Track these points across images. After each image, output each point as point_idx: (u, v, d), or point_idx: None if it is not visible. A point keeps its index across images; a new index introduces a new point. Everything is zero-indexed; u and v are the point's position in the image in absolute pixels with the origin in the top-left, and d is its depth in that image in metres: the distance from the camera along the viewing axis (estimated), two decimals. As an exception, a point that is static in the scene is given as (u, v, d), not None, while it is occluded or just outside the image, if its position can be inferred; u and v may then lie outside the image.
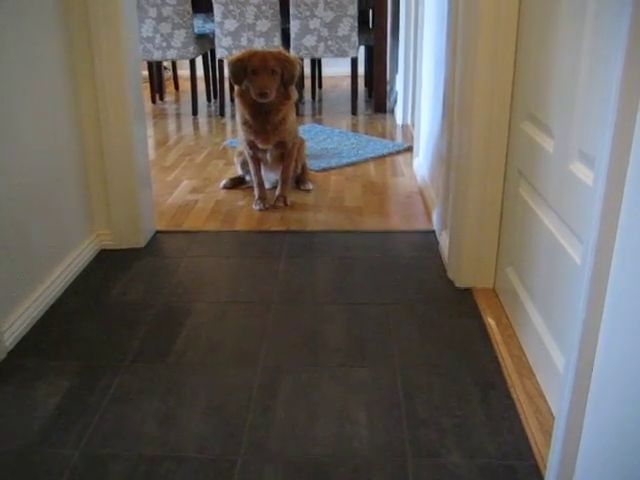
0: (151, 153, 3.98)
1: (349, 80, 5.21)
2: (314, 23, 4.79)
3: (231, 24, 4.85)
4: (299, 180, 3.42)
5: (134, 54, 2.54)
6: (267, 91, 2.89)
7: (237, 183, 3.44)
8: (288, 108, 3.08)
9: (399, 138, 4.43)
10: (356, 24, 4.79)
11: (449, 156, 2.35)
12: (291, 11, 4.78)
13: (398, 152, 4.05)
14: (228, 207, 3.16)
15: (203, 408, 1.71)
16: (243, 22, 4.83)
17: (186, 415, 1.68)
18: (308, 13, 4.77)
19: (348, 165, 3.79)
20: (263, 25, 4.83)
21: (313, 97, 5.83)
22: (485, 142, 2.10)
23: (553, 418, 1.56)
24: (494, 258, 2.24)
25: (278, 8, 4.79)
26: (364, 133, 4.55)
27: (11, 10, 2.00)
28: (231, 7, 4.79)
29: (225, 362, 1.91)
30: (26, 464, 1.54)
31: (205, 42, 5.27)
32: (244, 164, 3.34)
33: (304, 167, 3.44)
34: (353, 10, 4.74)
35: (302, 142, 3.41)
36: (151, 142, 4.38)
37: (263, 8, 4.78)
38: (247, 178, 3.40)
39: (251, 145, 3.15)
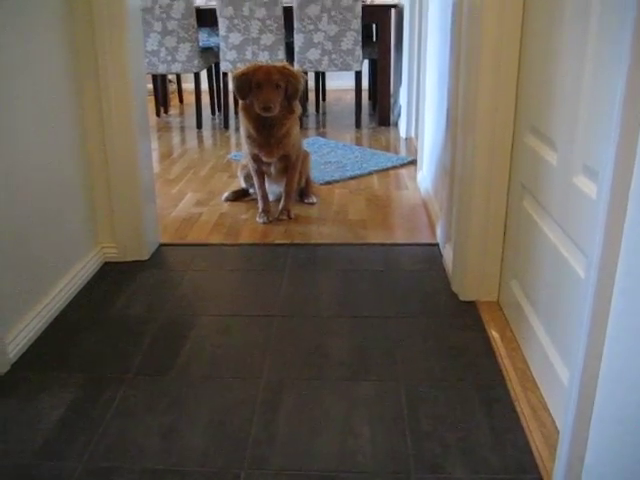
0: (155, 166, 4.00)
1: (353, 93, 5.23)
2: (318, 37, 4.81)
3: (236, 38, 4.87)
4: (303, 193, 3.43)
5: (139, 68, 2.56)
6: (271, 105, 2.90)
7: (240, 196, 3.45)
8: (292, 122, 3.09)
9: (403, 151, 4.44)
10: (360, 38, 4.81)
11: (453, 169, 2.35)
12: (295, 25, 4.80)
13: (402, 165, 4.05)
14: (232, 220, 3.17)
15: (206, 422, 1.70)
16: (248, 36, 4.86)
17: (189, 429, 1.68)
18: (312, 27, 4.79)
19: (352, 178, 3.79)
20: (267, 39, 4.86)
21: (317, 110, 5.85)
22: (488, 155, 2.10)
23: (558, 432, 1.55)
24: (498, 271, 2.23)
25: (282, 22, 4.82)
26: (368, 146, 4.56)
27: (19, 36, 2.02)
28: (236, 21, 4.82)
29: (228, 375, 1.91)
30: (29, 477, 1.53)
31: (210, 56, 5.29)
32: (247, 177, 3.35)
33: (308, 180, 3.45)
34: (357, 24, 4.76)
35: (307, 155, 3.42)
36: (155, 155, 4.39)
37: (267, 22, 4.81)
38: (251, 191, 3.40)
39: (255, 158, 3.16)
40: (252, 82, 2.93)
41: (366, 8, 4.88)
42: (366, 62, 5.66)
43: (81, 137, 2.47)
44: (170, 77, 6.25)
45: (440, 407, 1.73)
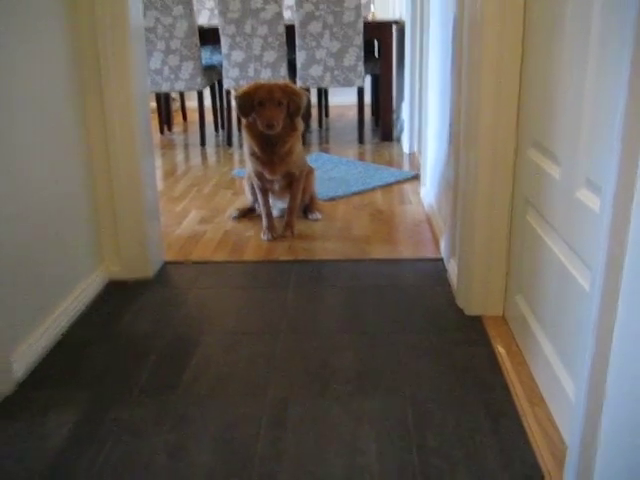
0: (159, 184, 4.01)
1: (356, 109, 5.26)
2: (320, 53, 4.84)
3: (238, 55, 4.90)
4: (307, 209, 3.43)
5: (142, 86, 2.57)
6: (274, 123, 2.92)
7: (246, 213, 3.45)
8: (295, 139, 3.11)
9: (406, 166, 4.45)
10: (362, 54, 4.84)
11: (456, 184, 2.36)
12: (297, 42, 4.83)
13: (405, 180, 4.06)
14: (236, 237, 3.17)
15: (212, 439, 1.70)
16: (250, 53, 4.89)
17: (195, 447, 1.67)
18: (314, 44, 4.82)
19: (356, 194, 3.80)
20: (270, 56, 4.89)
21: (320, 126, 5.87)
22: (491, 170, 2.10)
23: (566, 447, 1.54)
24: (503, 286, 2.23)
25: (284, 39, 4.85)
26: (371, 162, 4.57)
27: (23, 56, 2.03)
28: (238, 39, 4.86)
29: (234, 393, 1.90)
30: (35, 498, 1.53)
31: (212, 73, 5.33)
32: (254, 190, 3.35)
33: (313, 197, 3.45)
34: (359, 40, 4.79)
35: (311, 171, 3.43)
36: (159, 173, 4.41)
37: (270, 39, 4.84)
38: (256, 206, 3.41)
39: (259, 176, 3.17)
40: (254, 101, 2.95)
41: (368, 24, 4.91)
42: (368, 78, 5.69)
43: (85, 155, 2.49)
44: (173, 95, 6.30)
45: (447, 423, 1.73)
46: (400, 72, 5.28)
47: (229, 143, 5.23)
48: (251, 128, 3.04)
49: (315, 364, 2.03)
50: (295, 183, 3.23)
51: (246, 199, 3.51)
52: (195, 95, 5.28)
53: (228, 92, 5.11)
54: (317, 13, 4.74)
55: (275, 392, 1.89)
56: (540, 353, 1.82)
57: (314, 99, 5.87)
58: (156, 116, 5.55)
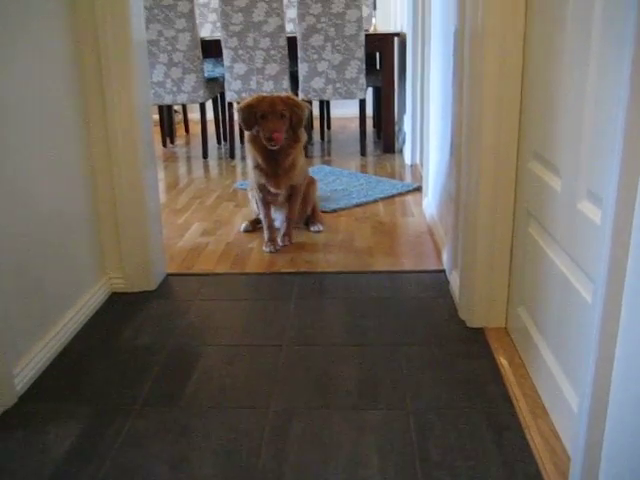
0: (162, 196, 4.02)
1: (357, 121, 5.27)
2: (322, 66, 4.86)
3: (240, 68, 4.93)
4: (309, 221, 3.44)
5: (145, 99, 2.58)
6: (277, 135, 2.93)
7: (257, 224, 3.44)
8: (297, 151, 3.12)
9: (408, 178, 4.46)
10: (364, 66, 4.86)
11: (457, 196, 2.36)
12: (299, 54, 4.86)
13: (407, 192, 4.07)
14: (238, 249, 3.17)
15: (215, 452, 1.69)
16: (252, 66, 4.91)
17: (197, 459, 1.67)
18: (316, 56, 4.84)
19: (357, 206, 3.81)
20: (272, 69, 4.91)
21: (322, 138, 5.89)
22: (493, 182, 2.11)
23: (569, 459, 1.53)
24: (505, 298, 2.23)
25: (286, 52, 4.88)
26: (373, 174, 4.58)
27: (27, 68, 2.05)
28: (240, 51, 4.88)
29: (237, 405, 1.90)
30: (37, 511, 1.53)
31: (215, 86, 5.35)
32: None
33: (314, 208, 3.46)
34: (360, 53, 4.81)
35: (313, 181, 3.44)
36: (162, 185, 4.42)
37: (272, 52, 4.86)
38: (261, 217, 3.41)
39: (262, 188, 3.18)
40: (257, 113, 2.96)
41: (369, 37, 4.93)
42: (370, 90, 5.70)
43: (88, 168, 2.49)
44: (176, 108, 6.32)
45: (449, 435, 1.72)
46: (402, 84, 5.29)
47: (231, 155, 5.25)
48: (255, 141, 3.06)
49: (317, 376, 2.03)
50: (294, 194, 3.24)
51: (251, 211, 3.51)
52: (197, 108, 5.30)
53: (230, 104, 5.13)
54: (319, 26, 4.76)
55: (277, 404, 1.89)
56: (543, 365, 1.82)
57: (316, 111, 5.89)
58: (158, 129, 5.57)
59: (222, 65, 5.12)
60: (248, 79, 4.95)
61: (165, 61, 4.96)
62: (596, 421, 1.20)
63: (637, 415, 1.06)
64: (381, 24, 6.00)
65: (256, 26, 4.81)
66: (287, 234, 3.22)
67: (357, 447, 1.69)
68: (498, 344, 2.16)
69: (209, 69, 5.64)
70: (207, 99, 5.17)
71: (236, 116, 3.47)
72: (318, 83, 4.92)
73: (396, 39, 5.17)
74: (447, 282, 2.66)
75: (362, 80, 4.90)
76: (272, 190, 3.16)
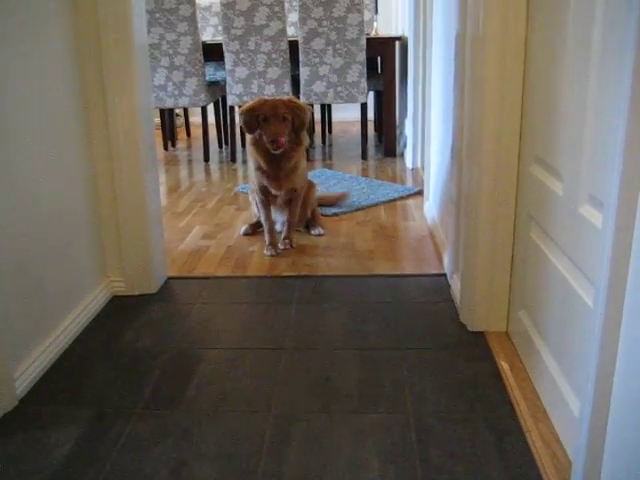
0: (163, 199, 4.02)
1: (359, 125, 5.27)
2: (323, 70, 4.87)
3: (242, 72, 4.93)
4: (310, 225, 3.44)
5: (146, 102, 2.59)
6: (279, 138, 2.93)
7: (257, 228, 3.45)
8: (300, 154, 3.12)
9: (409, 182, 4.45)
10: (365, 70, 4.86)
11: (459, 200, 2.36)
12: (301, 58, 4.86)
13: (409, 196, 4.07)
14: (239, 253, 3.17)
15: (215, 456, 1.69)
16: (254, 70, 4.92)
17: (198, 463, 1.66)
18: (317, 60, 4.84)
19: (359, 209, 3.81)
20: (273, 72, 4.91)
21: (323, 142, 5.89)
22: (494, 185, 2.11)
23: (570, 463, 1.53)
24: (506, 301, 2.23)
25: (288, 56, 4.88)
26: (374, 177, 4.58)
27: (28, 71, 2.05)
28: (242, 55, 4.88)
29: (237, 409, 1.90)
30: (37, 514, 1.52)
31: (216, 89, 5.35)
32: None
33: (314, 211, 3.47)
34: (362, 57, 4.82)
35: (312, 185, 3.45)
36: (163, 188, 4.42)
37: (273, 56, 4.87)
38: (261, 220, 3.41)
39: (264, 191, 3.19)
40: (259, 116, 2.97)
41: (371, 41, 4.93)
42: (371, 94, 5.70)
43: (89, 171, 2.50)
44: (177, 111, 6.32)
45: (450, 439, 1.72)
46: (403, 88, 5.30)
47: (233, 159, 5.25)
48: (257, 144, 3.06)
49: (318, 380, 2.03)
50: (295, 197, 3.24)
51: (252, 214, 3.51)
52: (199, 111, 5.30)
53: (232, 108, 5.13)
54: (320, 30, 4.77)
55: (278, 408, 1.89)
56: (544, 369, 1.81)
57: (317, 115, 5.89)
58: (160, 132, 5.58)
59: (223, 69, 5.12)
60: (249, 83, 4.95)
61: (167, 64, 4.97)
62: (597, 425, 1.20)
63: (638, 419, 1.06)
64: (382, 28, 6.01)
65: (258, 30, 4.81)
66: (288, 237, 3.23)
67: (357, 451, 1.69)
68: (499, 348, 2.16)
69: (210, 73, 5.65)
70: (208, 102, 5.17)
71: (237, 119, 3.48)
72: (319, 87, 4.92)
73: (397, 43, 5.18)
74: (448, 286, 2.65)
75: (363, 84, 4.90)
76: (273, 192, 3.17)
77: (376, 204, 3.91)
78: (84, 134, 2.45)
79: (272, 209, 3.29)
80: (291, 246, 3.19)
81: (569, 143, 1.59)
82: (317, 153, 5.50)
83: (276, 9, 4.76)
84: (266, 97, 3.14)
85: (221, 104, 5.60)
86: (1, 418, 1.87)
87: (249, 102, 3.09)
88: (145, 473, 1.63)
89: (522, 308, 2.07)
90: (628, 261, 1.07)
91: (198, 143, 5.72)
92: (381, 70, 5.48)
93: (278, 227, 3.34)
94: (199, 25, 5.00)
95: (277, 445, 1.72)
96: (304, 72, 4.90)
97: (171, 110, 5.75)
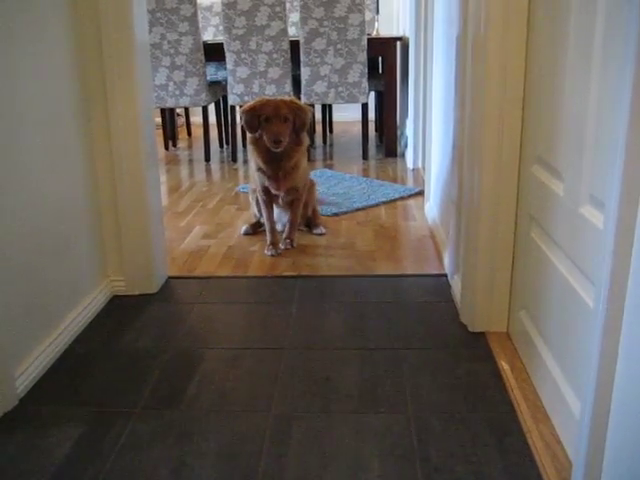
0: (164, 199, 4.02)
1: (360, 125, 5.27)
2: (324, 70, 4.86)
3: (243, 71, 4.93)
4: (311, 224, 3.44)
5: (147, 102, 2.59)
6: (281, 138, 2.94)
7: (257, 227, 3.45)
8: (300, 154, 3.13)
9: (410, 182, 4.45)
10: (366, 70, 4.86)
11: (459, 200, 2.36)
12: (302, 58, 4.86)
13: (409, 196, 4.07)
14: (240, 252, 3.17)
15: (215, 455, 1.69)
16: (255, 70, 4.92)
17: (198, 463, 1.66)
18: (318, 60, 4.84)
19: (359, 210, 3.81)
20: (274, 72, 4.91)
21: (324, 142, 5.89)
22: (495, 186, 2.10)
23: (571, 464, 1.53)
24: (507, 302, 2.23)
25: (289, 56, 4.88)
26: (375, 177, 4.58)
27: (30, 71, 2.05)
28: (243, 55, 4.88)
29: (237, 408, 1.90)
30: (37, 514, 1.52)
31: (217, 89, 5.35)
32: (259, 204, 3.35)
33: (314, 210, 3.47)
34: (363, 57, 4.82)
35: (313, 184, 3.45)
36: (164, 188, 4.42)
37: (274, 56, 4.87)
38: (261, 220, 3.41)
39: (265, 191, 3.19)
40: (260, 116, 2.97)
41: (372, 41, 4.93)
42: (372, 94, 5.70)
43: (90, 171, 2.50)
44: (178, 111, 6.32)
45: (450, 440, 1.72)
46: (404, 88, 5.29)
47: (234, 159, 5.25)
48: (257, 143, 3.06)
49: (318, 380, 2.03)
50: (297, 197, 3.24)
51: (252, 214, 3.51)
52: (200, 111, 5.30)
53: (233, 108, 5.13)
54: (321, 30, 4.77)
55: (278, 407, 1.89)
56: (544, 369, 1.81)
57: (318, 115, 5.89)
58: (161, 132, 5.57)
59: (225, 68, 5.12)
60: (250, 82, 4.95)
61: (168, 64, 4.97)
62: (598, 426, 1.20)
63: (639, 420, 1.05)
64: (383, 28, 6.00)
65: (259, 30, 4.81)
66: (290, 237, 3.23)
67: (358, 451, 1.69)
68: (499, 348, 2.16)
69: (212, 72, 5.65)
70: (209, 102, 5.17)
71: (238, 119, 3.48)
72: (320, 87, 4.92)
73: (398, 43, 5.18)
74: (449, 286, 2.65)
75: (364, 84, 4.90)
76: (274, 192, 3.18)
77: (377, 204, 3.91)
78: (85, 134, 2.45)
79: (274, 209, 3.29)
80: (292, 246, 3.20)
81: (570, 143, 1.59)
82: (318, 153, 5.50)
83: (277, 9, 4.76)
84: (267, 97, 3.14)
85: (222, 104, 5.59)
86: (1, 417, 1.87)
87: (250, 102, 3.10)
88: (145, 473, 1.63)
89: (523, 308, 2.06)
90: (629, 261, 1.07)
91: (199, 143, 5.71)
92: (382, 70, 5.48)
93: (279, 227, 3.34)
94: (200, 25, 5.01)
95: (277, 445, 1.72)
96: (305, 72, 4.90)
97: (172, 110, 5.74)
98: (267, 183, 3.15)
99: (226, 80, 5.10)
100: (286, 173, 3.11)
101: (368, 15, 5.44)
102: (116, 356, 2.21)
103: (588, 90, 1.46)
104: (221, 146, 5.77)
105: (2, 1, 1.91)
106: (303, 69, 4.89)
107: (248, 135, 3.12)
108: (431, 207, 3.51)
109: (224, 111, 5.64)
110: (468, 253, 2.26)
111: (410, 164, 4.85)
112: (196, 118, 6.47)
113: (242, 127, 3.17)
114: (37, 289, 2.11)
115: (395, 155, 5.23)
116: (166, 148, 5.70)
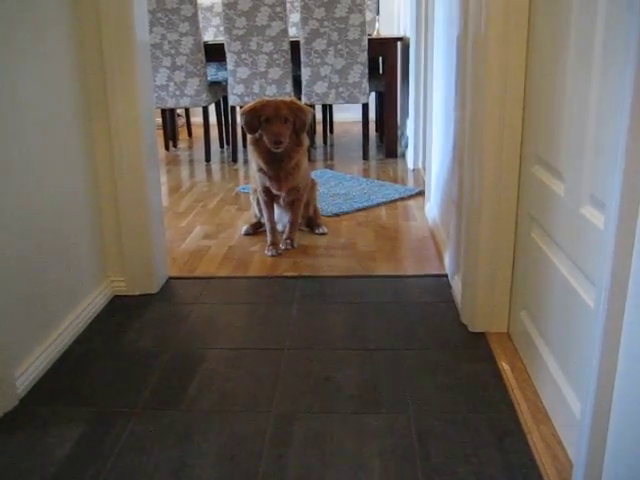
0: (164, 199, 4.02)
1: (360, 125, 5.27)
2: (325, 70, 4.86)
3: (243, 72, 4.93)
4: (312, 224, 3.44)
5: (148, 102, 2.59)
6: (281, 139, 2.95)
7: (258, 228, 3.45)
8: (301, 155, 3.13)
9: (410, 182, 4.45)
10: (366, 71, 4.86)
11: (460, 201, 2.36)
12: (302, 59, 4.86)
13: (410, 196, 4.06)
14: (241, 253, 3.17)
15: (216, 456, 1.69)
16: (255, 70, 4.92)
17: (198, 463, 1.66)
18: (319, 60, 4.84)
19: (360, 210, 3.81)
20: (275, 73, 4.91)
21: (325, 143, 5.89)
22: (496, 186, 2.10)
23: (571, 465, 1.53)
24: (507, 302, 2.23)
25: (289, 56, 4.88)
26: (376, 178, 4.58)
27: (30, 72, 2.05)
28: (243, 55, 4.88)
29: (238, 409, 1.90)
30: (37, 514, 1.52)
31: (218, 90, 5.35)
32: (260, 204, 3.35)
33: (315, 209, 3.47)
34: (363, 57, 4.82)
35: (314, 184, 3.45)
36: (164, 188, 4.42)
37: (275, 56, 4.87)
38: (262, 220, 3.41)
39: (266, 191, 3.19)
40: (261, 117, 2.97)
41: (372, 41, 4.93)
42: (373, 94, 5.70)
43: (91, 171, 2.50)
44: (179, 111, 6.32)
45: (451, 440, 1.72)
46: (404, 88, 5.29)
47: (234, 159, 5.25)
48: (257, 144, 3.06)
49: (319, 380, 2.03)
50: (297, 198, 3.24)
51: (253, 214, 3.51)
52: (200, 111, 5.30)
53: (233, 108, 5.13)
54: (322, 30, 4.77)
55: (279, 408, 1.89)
56: (545, 370, 1.81)
57: (319, 115, 5.90)
58: (161, 132, 5.57)
59: (225, 69, 5.12)
60: (251, 83, 4.95)
61: (168, 65, 4.97)
62: (598, 427, 1.20)
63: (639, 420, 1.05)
64: (384, 28, 6.01)
65: (259, 30, 4.81)
66: (290, 237, 3.23)
67: (358, 451, 1.69)
68: (500, 349, 2.16)
69: (212, 73, 5.65)
70: (210, 103, 5.17)
71: (239, 120, 3.48)
72: (321, 87, 4.92)
73: (399, 43, 5.17)
74: (449, 286, 2.65)
75: (365, 84, 4.90)
76: (275, 192, 3.18)
77: (377, 204, 3.91)
78: (86, 134, 2.45)
79: (275, 210, 3.29)
80: (292, 246, 3.20)
81: (571, 144, 1.59)
82: (318, 153, 5.50)
83: (278, 9, 4.76)
84: (268, 98, 3.15)
85: (222, 104, 5.59)
86: (2, 417, 1.87)
87: (250, 103, 3.10)
88: (145, 473, 1.63)
89: (523, 309, 2.06)
90: (630, 262, 1.07)
91: (199, 143, 5.72)
92: (383, 71, 5.48)
93: (279, 227, 3.34)
94: (201, 25, 5.01)
95: (277, 445, 1.72)
96: (305, 72, 4.90)
97: (172, 110, 5.75)
98: (268, 183, 3.15)
99: (226, 80, 5.10)
100: (287, 173, 3.11)
101: (369, 15, 5.44)
102: (116, 356, 2.21)
103: (589, 90, 1.46)
104: (221, 146, 5.77)
105: (2, 1, 1.91)
106: (304, 69, 4.89)
107: (248, 136, 3.12)
108: (431, 207, 3.51)
109: (224, 111, 5.65)
110: (468, 253, 2.26)
111: (410, 164, 4.85)
112: (196, 118, 6.46)
113: (242, 128, 3.16)
114: (37, 289, 2.11)
115: (395, 155, 5.23)
116: (166, 148, 5.71)
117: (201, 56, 4.96)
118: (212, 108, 5.52)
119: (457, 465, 1.62)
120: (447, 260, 2.77)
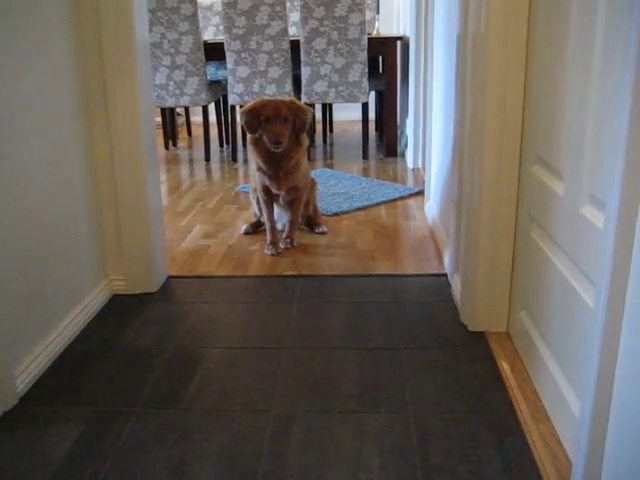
0: (164, 198, 4.02)
1: (360, 125, 5.27)
2: (325, 69, 4.86)
3: (243, 71, 4.93)
4: (312, 223, 3.44)
5: (148, 101, 2.59)
6: (281, 139, 2.95)
7: (257, 227, 3.46)
8: (300, 155, 3.13)
9: (410, 182, 4.45)
10: (366, 70, 4.86)
11: (460, 200, 2.36)
12: (302, 58, 4.86)
13: (409, 196, 4.06)
14: (240, 252, 3.17)
15: (215, 455, 1.69)
16: (255, 69, 4.92)
17: (198, 463, 1.66)
18: (319, 60, 4.84)
19: (360, 209, 3.81)
20: (275, 72, 4.91)
21: (324, 142, 5.89)
22: (495, 186, 2.10)
23: (571, 464, 1.53)
24: (507, 302, 2.23)
25: (289, 55, 4.88)
26: (375, 177, 4.58)
27: (29, 71, 2.05)
28: (243, 55, 4.88)
29: (237, 408, 1.90)
30: (37, 513, 1.52)
31: (217, 89, 5.35)
32: (260, 203, 3.36)
33: (315, 208, 3.47)
34: (363, 56, 4.82)
35: (314, 183, 3.46)
36: (164, 188, 4.42)
37: (275, 55, 4.87)
38: (262, 219, 3.41)
39: (266, 190, 3.19)
40: (260, 117, 2.97)
41: (372, 40, 4.93)
42: (373, 94, 5.70)
43: (91, 170, 2.50)
44: (178, 110, 6.32)
45: (450, 440, 1.72)
46: (404, 88, 5.29)
47: (234, 158, 5.25)
48: (257, 144, 3.06)
49: (318, 379, 2.03)
50: (297, 197, 3.24)
51: (252, 213, 3.51)
52: (200, 110, 5.30)
53: (233, 107, 5.13)
54: (322, 29, 4.77)
55: (278, 407, 1.89)
56: (544, 369, 1.81)
57: (319, 115, 5.89)
58: (161, 131, 5.57)
59: (225, 68, 5.12)
60: (251, 82, 4.95)
61: (168, 64, 4.97)
62: (598, 426, 1.20)
63: (639, 420, 1.05)
64: (384, 28, 6.00)
65: (259, 29, 4.81)
66: (290, 237, 3.23)
67: (358, 451, 1.69)
68: (500, 348, 2.16)
69: (212, 72, 5.65)
70: (210, 102, 5.17)
71: (239, 119, 3.48)
72: (321, 86, 4.92)
73: (399, 43, 5.17)
74: (449, 286, 2.65)
75: (365, 84, 4.90)
76: (274, 191, 3.18)
77: (377, 204, 3.91)
78: (85, 133, 2.45)
79: (275, 209, 3.30)
80: (292, 245, 3.20)
81: (571, 143, 1.59)
82: (318, 152, 5.50)
83: (277, 8, 4.76)
84: (267, 97, 3.14)
85: (222, 103, 5.59)
86: (1, 416, 1.87)
87: (250, 102, 3.10)
88: (145, 472, 1.63)
89: (523, 308, 2.06)
90: (629, 261, 1.07)
91: (199, 142, 5.72)
92: (382, 70, 5.48)
93: (279, 226, 3.34)
94: (201, 24, 5.01)
95: (277, 445, 1.72)
96: (305, 72, 4.90)
97: (172, 109, 5.74)
98: (268, 183, 3.15)
99: (226, 80, 5.10)
100: (287, 173, 3.11)
101: (368, 14, 5.44)
102: (116, 355, 2.21)
103: (588, 89, 1.46)
104: (221, 145, 5.77)
105: (3, 1, 1.91)
106: (303, 69, 4.89)
107: (248, 135, 3.12)
108: (431, 207, 3.51)
109: (224, 111, 5.64)
110: (468, 253, 2.26)
111: (410, 164, 4.85)
112: (196, 117, 6.47)
113: (242, 127, 3.16)
114: (37, 288, 2.11)
115: (395, 155, 5.23)
116: (166, 147, 5.70)
117: (201, 55, 4.96)
118: (212, 107, 5.52)
119: (457, 465, 1.62)
120: (447, 259, 2.78)
